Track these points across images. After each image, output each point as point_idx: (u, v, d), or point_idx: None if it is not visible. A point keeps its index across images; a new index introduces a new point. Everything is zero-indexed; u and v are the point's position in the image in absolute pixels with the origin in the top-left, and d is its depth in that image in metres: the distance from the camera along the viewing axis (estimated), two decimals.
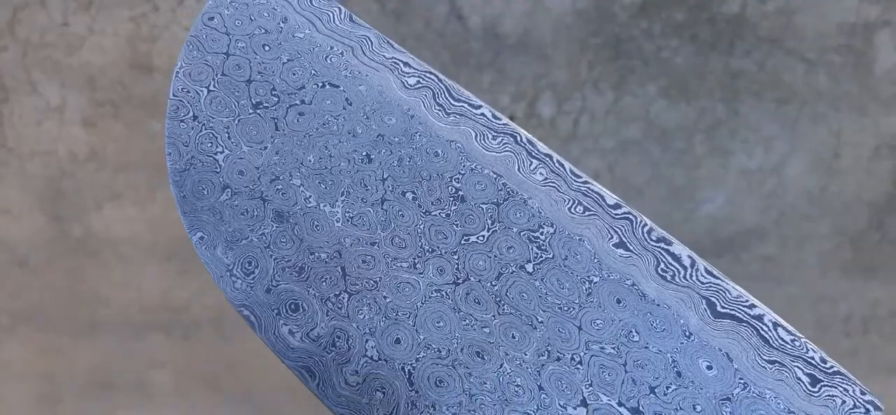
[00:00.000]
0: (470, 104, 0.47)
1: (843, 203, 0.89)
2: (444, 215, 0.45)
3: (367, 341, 0.45)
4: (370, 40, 0.47)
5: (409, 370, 0.45)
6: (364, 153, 0.46)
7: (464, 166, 0.46)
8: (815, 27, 0.81)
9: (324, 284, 0.45)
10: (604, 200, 0.46)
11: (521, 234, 0.45)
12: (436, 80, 0.47)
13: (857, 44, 0.81)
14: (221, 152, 0.46)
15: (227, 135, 0.46)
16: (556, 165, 0.46)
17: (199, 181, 0.46)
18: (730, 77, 0.83)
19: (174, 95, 0.47)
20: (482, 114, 0.47)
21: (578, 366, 0.44)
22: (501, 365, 0.44)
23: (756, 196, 0.88)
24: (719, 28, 0.81)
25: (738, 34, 0.81)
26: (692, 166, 0.87)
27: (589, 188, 0.46)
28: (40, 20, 0.81)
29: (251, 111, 0.46)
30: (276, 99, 0.46)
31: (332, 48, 0.47)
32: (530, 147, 0.46)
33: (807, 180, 0.88)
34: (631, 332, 0.44)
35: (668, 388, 0.44)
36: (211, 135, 0.46)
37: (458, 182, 0.46)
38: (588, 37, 0.81)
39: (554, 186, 0.46)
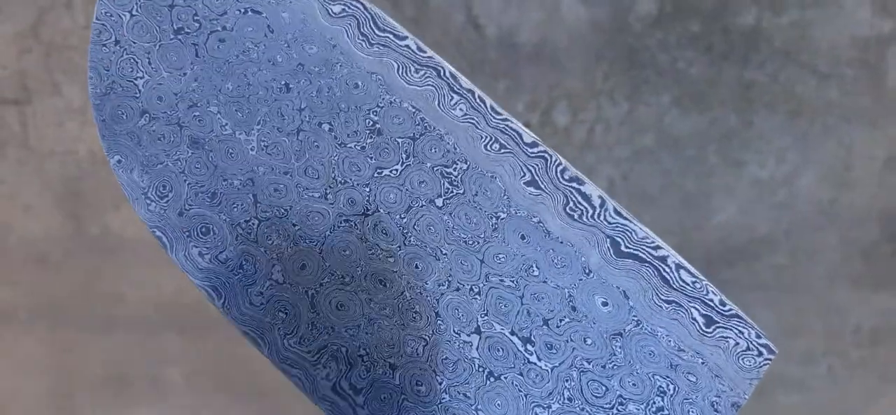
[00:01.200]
0: (395, 35, 0.46)
1: (853, 214, 0.89)
2: (359, 148, 0.46)
3: (273, 265, 0.46)
4: None
5: (312, 294, 0.46)
6: (283, 82, 0.46)
7: (383, 99, 0.46)
8: (828, 40, 0.81)
9: (235, 209, 0.46)
10: (521, 137, 0.46)
11: (435, 169, 0.46)
12: (361, 8, 0.46)
13: (870, 58, 0.81)
14: (141, 78, 0.46)
15: (147, 60, 0.46)
16: (477, 101, 0.46)
17: (119, 106, 0.46)
18: (743, 88, 0.83)
19: (97, 19, 0.46)
20: (407, 46, 0.46)
21: (477, 296, 0.45)
22: (402, 293, 0.46)
23: (768, 206, 0.88)
24: (733, 40, 0.81)
25: (752, 46, 0.81)
26: (705, 176, 0.87)
27: (507, 125, 0.46)
28: (64, 23, 0.82)
29: (172, 37, 0.46)
30: (198, 25, 0.46)
31: None
32: (453, 82, 0.46)
33: (818, 191, 0.88)
34: (531, 267, 0.45)
35: (561, 321, 0.45)
36: (132, 60, 0.46)
37: (376, 115, 0.46)
38: (603, 47, 0.82)
39: (472, 123, 0.46)
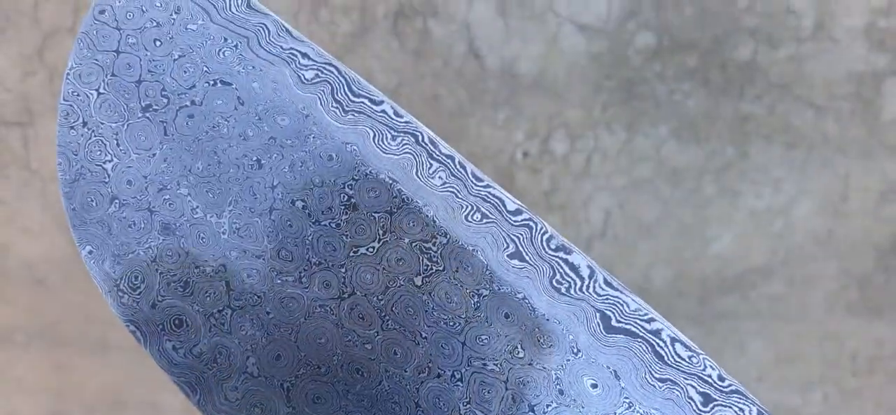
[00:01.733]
0: (370, 100, 0.44)
1: (849, 245, 0.90)
2: (334, 226, 0.44)
3: (247, 357, 0.44)
4: (267, 29, 0.45)
5: (287, 387, 0.44)
6: (254, 158, 0.44)
7: (358, 171, 0.44)
8: (824, 75, 0.82)
9: (208, 299, 0.44)
10: (504, 205, 0.44)
11: (413, 244, 0.43)
12: (335, 73, 0.44)
13: (866, 92, 0.82)
14: (110, 161, 0.45)
15: (115, 142, 0.45)
16: (458, 167, 0.44)
17: (88, 193, 0.45)
18: (740, 121, 0.84)
19: (64, 100, 0.45)
20: (383, 111, 0.44)
21: (458, 383, 0.43)
22: (380, 382, 0.44)
23: (764, 236, 0.89)
24: (730, 73, 0.82)
25: (749, 79, 0.82)
26: (702, 206, 0.88)
27: (489, 193, 0.44)
28: (69, 46, 0.83)
29: (140, 115, 0.45)
30: (166, 100, 0.44)
31: (225, 40, 0.45)
32: (432, 148, 0.44)
33: (814, 222, 0.88)
34: (516, 348, 0.43)
35: (548, 407, 0.42)
36: (100, 142, 0.45)
37: (352, 188, 0.44)
38: (602, 79, 0.83)
39: (453, 191, 0.44)
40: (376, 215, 0.44)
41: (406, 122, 0.45)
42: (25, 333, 0.97)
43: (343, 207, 0.44)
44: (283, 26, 0.45)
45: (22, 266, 0.93)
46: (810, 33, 0.80)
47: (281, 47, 0.45)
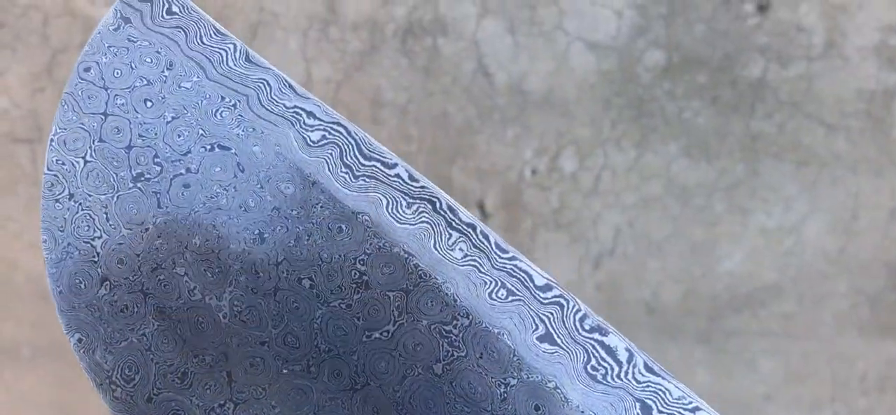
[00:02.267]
0: (383, 163, 0.40)
1: (860, 263, 0.89)
2: (344, 307, 0.39)
3: None
4: (268, 85, 0.41)
5: None
6: (256, 232, 0.40)
7: (370, 244, 0.39)
8: (834, 93, 0.82)
9: (208, 392, 0.40)
10: (532, 280, 0.39)
11: (432, 327, 0.39)
12: (344, 133, 0.40)
13: (876, 110, 0.82)
14: (99, 238, 0.40)
15: (105, 216, 0.40)
16: (480, 238, 0.40)
17: (76, 274, 0.40)
18: (750, 138, 0.84)
19: (49, 169, 0.41)
20: (397, 175, 0.40)
21: None
22: None
23: (774, 254, 0.89)
24: (741, 91, 0.82)
25: (760, 97, 0.82)
26: (712, 224, 0.88)
27: (515, 266, 0.39)
28: None
29: (131, 185, 0.40)
30: (159, 168, 0.40)
31: (223, 99, 0.40)
32: (451, 216, 0.40)
33: (825, 240, 0.88)
34: None
35: None
36: (88, 217, 0.40)
37: (363, 264, 0.39)
38: (611, 96, 0.83)
39: (475, 265, 0.40)
40: (391, 294, 0.39)
41: (422, 187, 0.40)
42: (32, 348, 0.97)
43: (354, 286, 0.39)
44: (286, 81, 0.41)
45: (29, 282, 0.93)
46: (821, 51, 0.80)
47: (284, 106, 0.41)
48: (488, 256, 0.40)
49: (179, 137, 0.41)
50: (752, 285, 0.90)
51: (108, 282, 0.40)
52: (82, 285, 0.41)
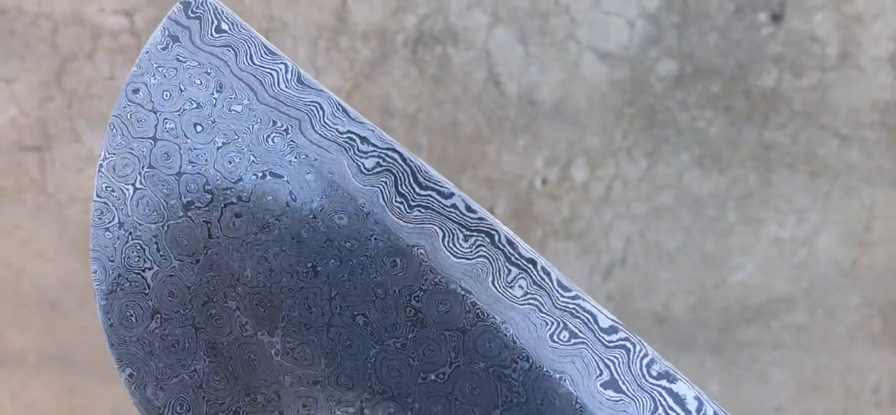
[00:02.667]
0: (439, 193, 0.38)
1: (873, 275, 0.89)
2: (399, 346, 0.38)
3: None
4: (322, 110, 0.39)
5: None
6: (309, 264, 0.38)
7: (426, 280, 0.38)
8: (848, 103, 0.82)
9: None
10: (596, 322, 0.38)
11: (490, 370, 0.37)
12: (399, 160, 0.38)
13: (891, 120, 0.82)
14: (150, 269, 0.39)
15: (155, 246, 0.39)
16: (540, 275, 0.38)
17: (127, 306, 0.39)
18: (763, 149, 0.83)
19: (98, 196, 0.40)
20: (453, 206, 0.38)
21: None
22: None
23: (787, 266, 0.89)
24: (754, 101, 0.82)
25: (773, 107, 0.82)
26: (724, 234, 0.87)
27: (578, 306, 0.38)
28: (87, 72, 0.84)
29: (182, 214, 0.39)
30: (210, 196, 0.39)
31: (274, 124, 0.39)
32: (510, 250, 0.38)
33: (838, 252, 0.88)
34: None
35: None
36: (138, 247, 0.39)
37: (419, 301, 0.38)
38: (623, 106, 0.82)
39: (535, 304, 0.38)
40: (447, 334, 0.37)
41: (480, 218, 0.38)
42: (38, 356, 0.97)
43: (409, 324, 0.37)
44: (339, 105, 0.39)
45: (36, 290, 0.93)
46: (835, 61, 0.80)
47: (337, 131, 0.39)
48: (550, 295, 0.38)
49: (230, 163, 0.39)
50: (764, 296, 0.90)
51: (158, 315, 0.39)
52: (133, 318, 0.40)
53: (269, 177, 0.39)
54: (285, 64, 0.39)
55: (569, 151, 0.84)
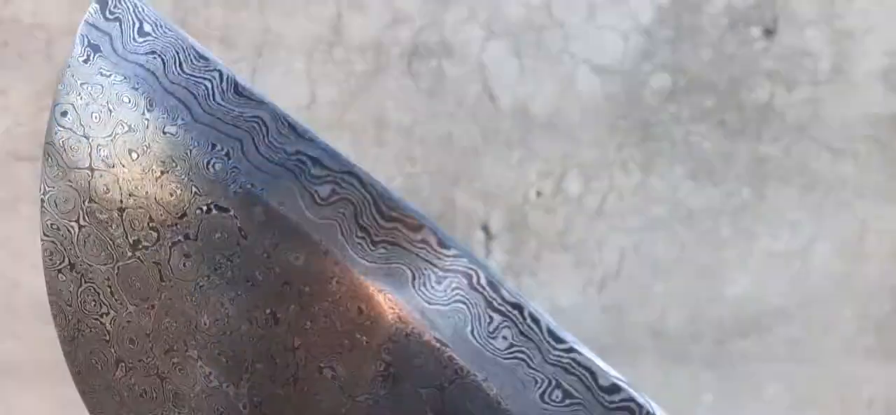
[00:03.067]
0: (406, 226, 0.33)
1: (867, 288, 0.89)
2: (371, 402, 0.33)
3: None
4: (265, 127, 0.34)
5: None
6: (267, 311, 0.34)
7: (396, 330, 0.32)
8: (841, 117, 0.82)
9: None
10: (595, 379, 0.32)
11: None
12: (358, 186, 0.33)
13: (883, 134, 0.82)
14: (107, 314, 0.36)
15: (109, 290, 0.36)
16: (528, 323, 0.32)
17: (91, 353, 0.37)
18: (756, 162, 0.84)
19: (45, 235, 0.37)
20: (423, 241, 0.33)
21: None
22: None
23: (781, 279, 0.89)
24: (747, 115, 0.82)
25: (766, 121, 0.82)
26: (718, 248, 0.87)
27: (574, 361, 0.32)
28: None
29: (130, 254, 0.35)
30: (156, 234, 0.35)
31: (214, 147, 0.34)
32: (491, 294, 0.32)
33: (832, 265, 0.88)
34: None
35: None
36: (93, 290, 0.37)
37: (390, 354, 0.33)
38: (617, 119, 0.83)
39: (522, 358, 0.32)
40: (423, 392, 0.32)
41: (455, 256, 0.33)
42: (33, 367, 0.97)
43: (381, 379, 0.32)
44: (284, 119, 0.34)
45: (31, 301, 0.93)
46: (827, 76, 0.81)
47: (284, 151, 0.34)
48: (539, 348, 0.32)
49: (172, 196, 0.35)
50: (758, 310, 0.90)
51: (122, 363, 0.36)
52: (98, 366, 0.37)
53: (214, 211, 0.34)
54: (219, 71, 0.35)
55: (563, 163, 0.85)
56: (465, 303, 0.32)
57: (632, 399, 0.32)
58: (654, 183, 0.85)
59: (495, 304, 0.32)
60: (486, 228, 0.86)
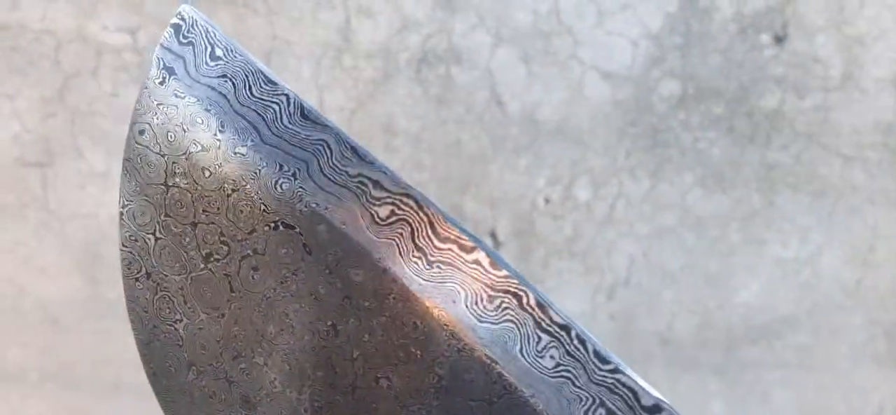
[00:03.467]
0: (460, 247, 0.35)
1: (877, 296, 0.89)
2: (423, 412, 0.35)
3: None
4: (329, 149, 0.36)
5: None
6: (329, 323, 0.36)
7: (449, 346, 0.34)
8: (851, 124, 0.82)
9: None
10: (637, 399, 0.33)
11: None
12: (414, 208, 0.35)
13: (894, 141, 0.82)
14: (181, 321, 0.38)
15: (182, 298, 0.38)
16: (574, 344, 0.34)
17: (166, 356, 0.39)
18: (766, 169, 0.83)
19: (124, 246, 0.38)
20: (476, 262, 0.35)
21: None
22: None
23: (790, 286, 0.88)
24: (757, 122, 0.82)
25: (776, 128, 0.82)
26: (727, 254, 0.87)
27: (618, 382, 0.34)
28: (90, 89, 0.84)
29: (202, 266, 0.37)
30: (227, 248, 0.37)
31: (281, 168, 0.36)
32: (540, 315, 0.34)
33: (841, 272, 0.88)
34: None
35: None
36: (167, 298, 0.38)
37: (442, 368, 0.34)
38: (626, 126, 0.82)
39: (569, 377, 0.34)
40: (473, 404, 0.34)
41: (506, 277, 0.34)
42: (39, 373, 0.96)
43: (434, 391, 0.34)
44: (348, 143, 0.36)
45: (37, 307, 0.93)
46: (838, 83, 0.80)
47: (347, 174, 0.36)
48: (585, 367, 0.34)
49: (242, 212, 0.37)
50: (767, 317, 0.90)
51: (194, 367, 0.38)
52: (172, 368, 0.39)
53: (281, 228, 0.36)
54: (286, 95, 0.37)
55: (571, 170, 0.84)
56: (514, 322, 0.34)
57: None
58: (663, 190, 0.84)
59: (544, 324, 0.34)
60: (493, 235, 0.85)
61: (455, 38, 0.81)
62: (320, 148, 0.36)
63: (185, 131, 0.37)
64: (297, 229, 0.36)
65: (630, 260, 0.86)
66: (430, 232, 0.35)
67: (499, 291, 0.34)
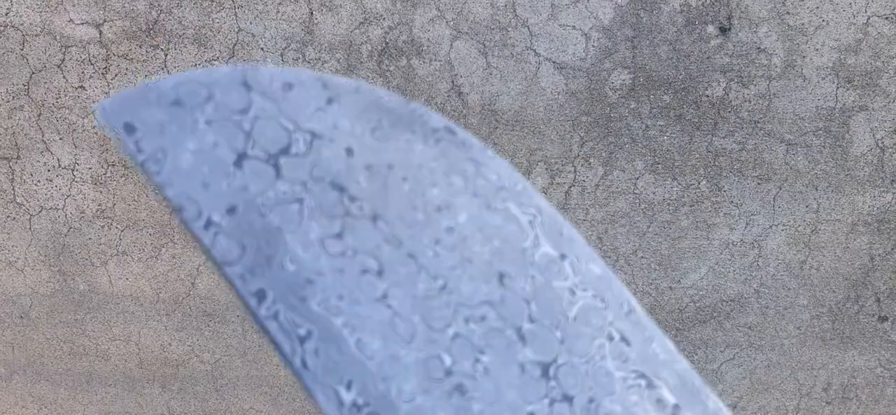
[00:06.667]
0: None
1: (821, 276, 0.91)
2: None
3: None
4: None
5: None
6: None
7: None
8: (794, 111, 0.83)
9: None
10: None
11: None
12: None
13: (835, 127, 0.84)
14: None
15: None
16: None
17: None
18: (713, 156, 0.85)
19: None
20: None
21: None
22: None
23: (738, 267, 0.90)
24: (704, 110, 0.84)
25: (722, 116, 0.84)
26: (677, 238, 0.89)
27: None
28: (57, 83, 0.84)
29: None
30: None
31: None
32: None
33: (786, 254, 0.90)
34: None
35: None
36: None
37: None
38: (580, 115, 0.84)
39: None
40: None
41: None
42: (8, 366, 0.96)
43: None
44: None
45: (6, 300, 0.93)
46: (780, 71, 0.82)
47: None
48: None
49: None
50: (716, 298, 0.92)
51: None
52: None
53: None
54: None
55: (529, 158, 0.86)
56: None
57: None
58: (616, 176, 0.86)
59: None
60: None
61: (415, 31, 0.82)
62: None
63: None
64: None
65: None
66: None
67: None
